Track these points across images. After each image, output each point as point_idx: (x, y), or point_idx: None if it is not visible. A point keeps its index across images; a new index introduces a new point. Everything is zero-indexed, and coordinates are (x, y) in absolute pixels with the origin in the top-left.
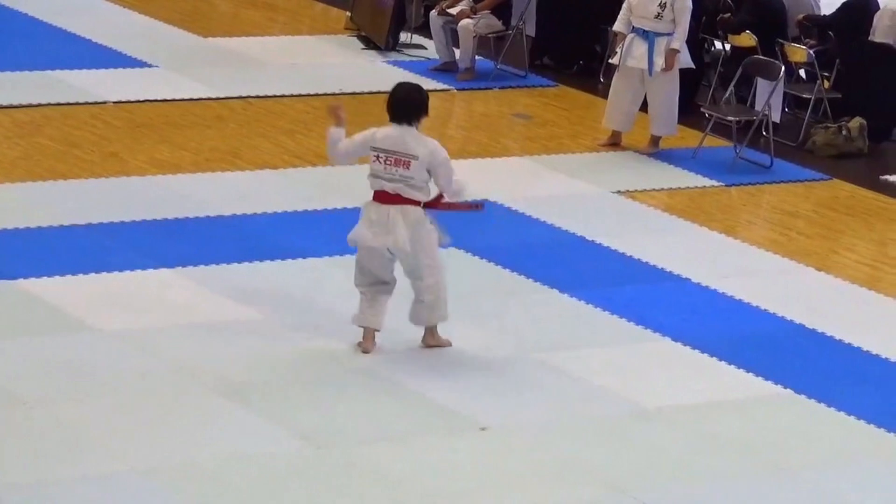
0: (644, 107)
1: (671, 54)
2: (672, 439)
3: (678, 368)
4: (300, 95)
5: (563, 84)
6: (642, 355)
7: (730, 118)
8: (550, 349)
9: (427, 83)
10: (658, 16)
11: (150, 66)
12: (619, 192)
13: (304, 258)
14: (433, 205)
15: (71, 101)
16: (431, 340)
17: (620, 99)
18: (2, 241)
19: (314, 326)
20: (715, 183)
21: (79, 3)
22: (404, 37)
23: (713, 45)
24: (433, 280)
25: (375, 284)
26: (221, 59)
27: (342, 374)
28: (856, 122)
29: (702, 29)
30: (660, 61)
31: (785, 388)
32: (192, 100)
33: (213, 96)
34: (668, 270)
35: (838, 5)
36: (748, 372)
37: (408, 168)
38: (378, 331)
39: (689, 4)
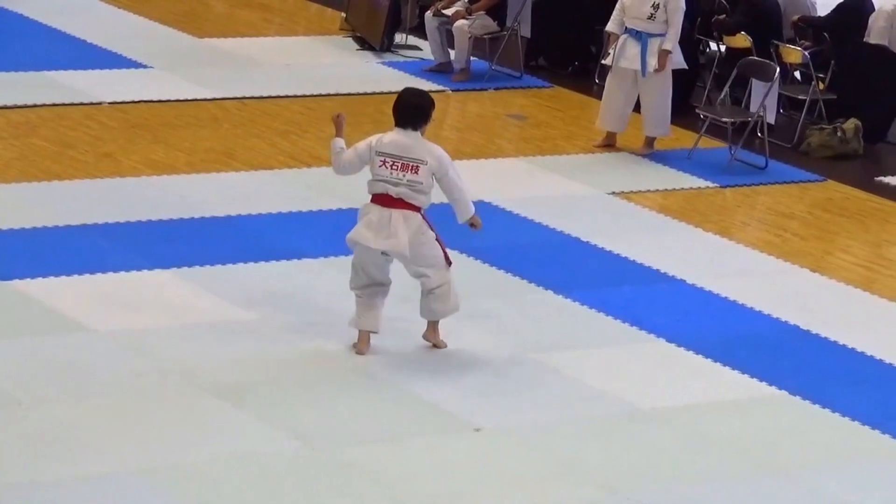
0: (637, 107)
1: (664, 55)
2: (667, 440)
3: (673, 369)
4: (295, 96)
5: (558, 85)
6: (637, 356)
7: (725, 119)
8: (546, 350)
9: (422, 84)
10: (651, 16)
11: (144, 66)
12: (614, 193)
13: (299, 259)
14: None
15: (66, 102)
16: (431, 336)
17: (614, 100)
18: None
19: (310, 327)
20: (710, 184)
21: (74, 3)
22: (399, 38)
23: (708, 46)
24: (439, 276)
25: (371, 286)
26: (216, 59)
27: (338, 375)
28: (851, 124)
29: (697, 30)
30: (653, 62)
31: (780, 389)
32: (187, 100)
33: (208, 97)
34: (663, 271)
35: (833, 6)
36: (743, 373)
37: (416, 173)
38: (375, 333)
39: (682, 5)
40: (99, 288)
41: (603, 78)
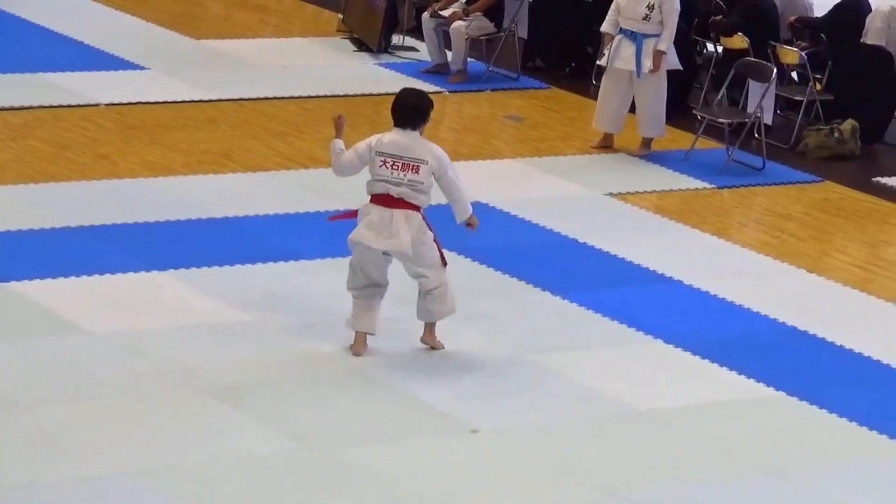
0: (632, 108)
1: (658, 56)
2: (665, 441)
3: (671, 370)
4: (292, 97)
5: (555, 86)
6: (635, 357)
7: (722, 120)
8: (543, 351)
9: (419, 85)
10: (646, 17)
11: (141, 68)
12: (610, 194)
13: (296, 260)
14: None
15: (62, 104)
16: (429, 339)
17: (609, 101)
18: None
19: (307, 328)
20: (707, 185)
21: (70, 5)
22: (396, 39)
23: (705, 47)
24: (437, 277)
25: (369, 287)
26: (213, 61)
27: (336, 376)
28: (848, 125)
29: (694, 31)
30: (647, 63)
31: (777, 389)
32: (183, 102)
33: (205, 98)
34: (660, 272)
35: (830, 7)
36: (740, 374)
37: (417, 172)
38: (373, 334)
39: (677, 6)
40: (96, 289)
41: (600, 79)
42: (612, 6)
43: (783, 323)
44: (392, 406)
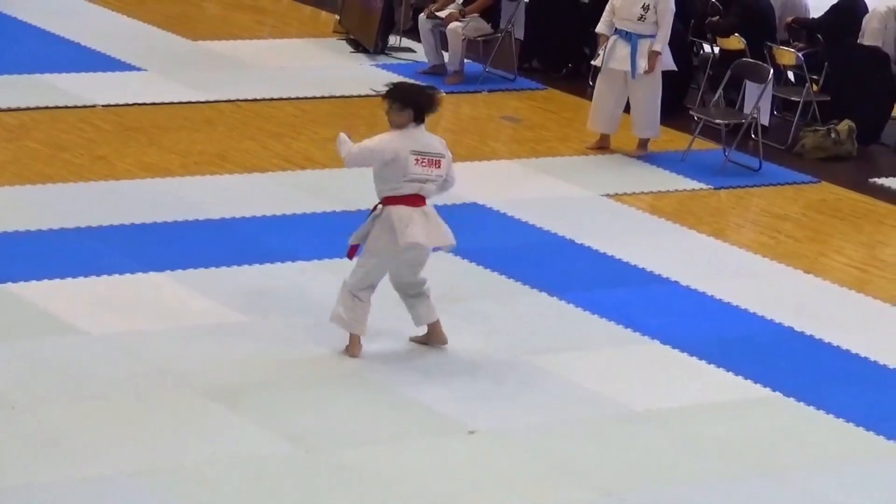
0: (627, 108)
1: (653, 56)
2: (663, 442)
3: (667, 371)
4: (289, 98)
5: (552, 87)
6: (631, 358)
7: (718, 121)
8: (539, 352)
9: None
10: (641, 17)
11: (138, 69)
12: (607, 194)
13: (292, 261)
14: None
15: (59, 105)
16: (439, 336)
17: (604, 101)
18: None
19: (304, 329)
20: (704, 186)
21: (67, 6)
22: (393, 40)
23: (702, 47)
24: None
25: (371, 289)
26: (210, 62)
27: (333, 377)
28: (844, 125)
29: (690, 32)
30: (642, 63)
31: (774, 390)
32: (180, 103)
33: (202, 99)
34: (656, 273)
35: (827, 8)
36: (737, 375)
37: (439, 167)
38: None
39: (672, 6)
40: (94, 290)
41: (596, 80)
42: (607, 7)
43: (779, 323)
44: (390, 407)
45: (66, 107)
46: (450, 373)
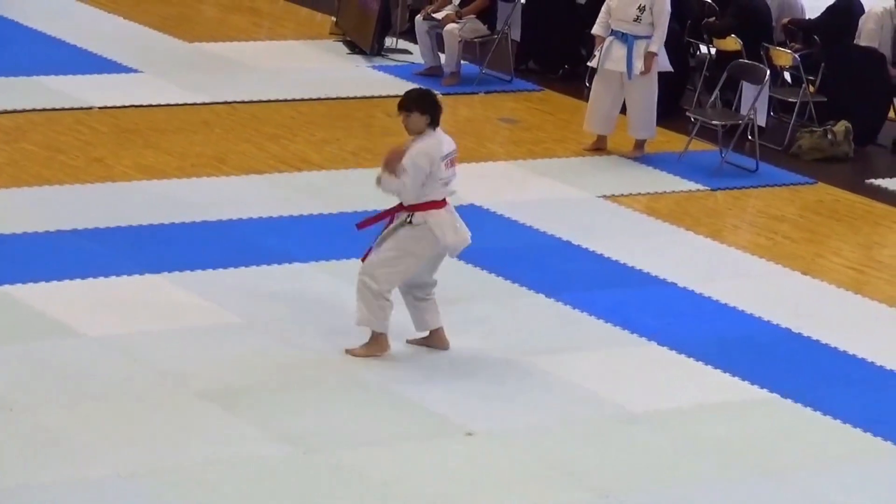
0: (623, 110)
1: (649, 57)
2: (659, 443)
3: (664, 372)
4: (285, 100)
5: (549, 88)
6: (629, 359)
7: (715, 122)
8: (538, 353)
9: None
10: (637, 19)
11: (135, 71)
12: (604, 196)
13: (289, 263)
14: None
15: (56, 107)
16: (441, 341)
17: (600, 102)
18: None
19: (302, 330)
20: (700, 187)
21: (64, 8)
22: (389, 41)
23: (698, 48)
24: None
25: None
26: (207, 64)
27: (330, 378)
28: (841, 126)
29: (687, 33)
30: (638, 64)
31: (771, 391)
32: (177, 105)
33: (199, 101)
34: (653, 274)
35: (823, 9)
36: (734, 376)
37: (455, 165)
38: None
39: (668, 7)
40: (91, 292)
41: (592, 81)
42: (603, 8)
43: (776, 324)
44: (387, 408)
45: (63, 109)
46: (448, 374)
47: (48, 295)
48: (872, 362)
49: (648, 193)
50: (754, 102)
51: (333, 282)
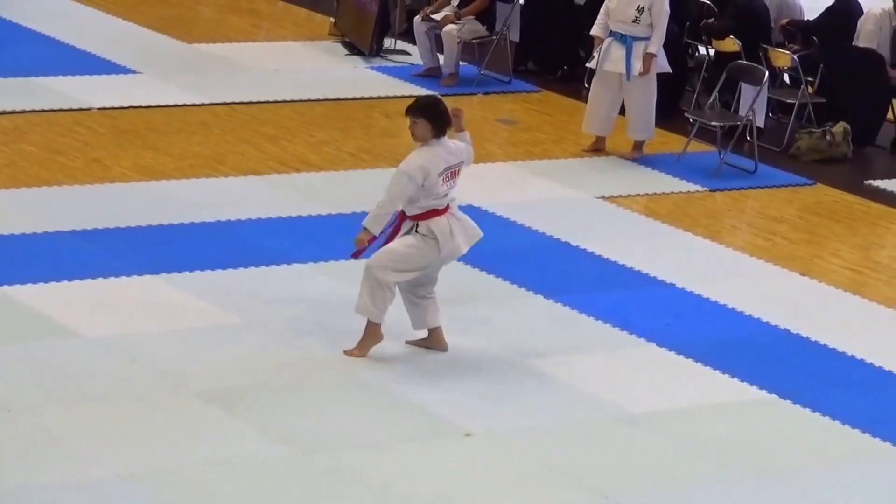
0: (622, 111)
1: (648, 58)
2: (657, 444)
3: (663, 373)
4: (284, 101)
5: (548, 89)
6: (628, 360)
7: (714, 123)
8: (536, 355)
9: (411, 89)
10: (636, 20)
11: (133, 72)
12: (603, 197)
13: (288, 264)
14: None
15: (54, 108)
16: (440, 342)
17: (599, 103)
18: None
19: (300, 331)
20: (699, 188)
21: (62, 9)
22: (388, 42)
23: (697, 50)
24: None
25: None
26: (205, 65)
27: (329, 380)
28: (840, 127)
29: (686, 34)
30: (637, 65)
31: (769, 392)
32: (176, 106)
33: (197, 102)
34: (652, 275)
35: (822, 10)
36: (733, 377)
37: (458, 176)
38: None
39: (667, 8)
40: (89, 293)
41: (591, 82)
42: (602, 9)
43: (775, 325)
44: (386, 409)
45: (61, 110)
46: (447, 375)
47: (47, 296)
48: (871, 363)
49: (647, 194)
50: (753, 103)
51: (332, 282)
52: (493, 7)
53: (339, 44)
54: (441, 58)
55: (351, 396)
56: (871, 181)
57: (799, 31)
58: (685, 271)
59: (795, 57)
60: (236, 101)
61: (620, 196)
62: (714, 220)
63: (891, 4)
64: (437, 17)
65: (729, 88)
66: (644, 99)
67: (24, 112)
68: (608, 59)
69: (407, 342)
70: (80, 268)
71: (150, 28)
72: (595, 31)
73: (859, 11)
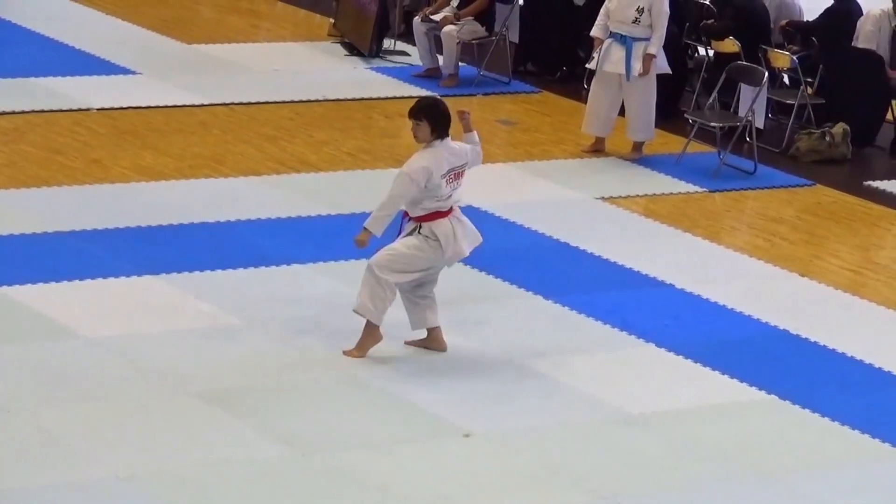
0: (622, 111)
1: (648, 59)
2: (656, 445)
3: (662, 374)
4: (284, 102)
5: (547, 90)
6: (627, 361)
7: (713, 124)
8: (535, 355)
9: (410, 90)
10: (636, 20)
11: (133, 72)
12: (602, 198)
13: (287, 265)
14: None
15: (54, 108)
16: (438, 343)
17: (599, 104)
18: None
19: (299, 332)
20: (699, 189)
21: (62, 10)
22: (388, 43)
23: (696, 51)
24: None
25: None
26: (205, 65)
27: (328, 380)
28: (839, 128)
29: (685, 35)
30: (637, 66)
31: (769, 393)
32: (175, 106)
33: (197, 103)
34: (652, 276)
35: (821, 11)
36: (732, 377)
37: (462, 177)
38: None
39: (667, 9)
40: (89, 294)
41: (590, 83)
42: (602, 10)
43: (774, 326)
44: (385, 410)
45: (61, 110)
46: (446, 376)
47: (46, 296)
48: (870, 364)
49: (647, 195)
50: (752, 104)
51: (332, 283)
52: (492, 8)
53: (339, 44)
54: (440, 59)
55: (350, 397)
56: (870, 182)
57: (798, 32)
58: (685, 272)
59: (795, 58)
60: (235, 101)
61: (620, 197)
62: (713, 221)
63: (890, 5)
64: (437, 17)
65: (728, 89)
66: (644, 100)
67: (23, 112)
68: (608, 60)
69: (406, 342)
70: (80, 268)
71: (149, 29)
72: (595, 31)
73: (859, 12)
